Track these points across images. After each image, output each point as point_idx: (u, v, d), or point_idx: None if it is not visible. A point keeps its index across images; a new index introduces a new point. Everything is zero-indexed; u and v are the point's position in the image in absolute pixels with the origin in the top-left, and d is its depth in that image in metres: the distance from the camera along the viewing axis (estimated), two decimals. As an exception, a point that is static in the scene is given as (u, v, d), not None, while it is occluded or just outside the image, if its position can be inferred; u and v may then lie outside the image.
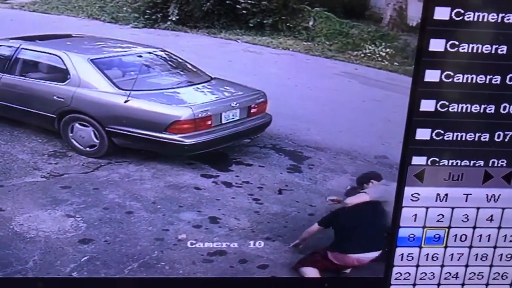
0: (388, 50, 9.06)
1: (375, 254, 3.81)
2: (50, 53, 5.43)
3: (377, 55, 8.69)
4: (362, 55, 8.93)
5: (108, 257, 3.82)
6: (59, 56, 5.33)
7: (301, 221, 4.29)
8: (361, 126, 5.35)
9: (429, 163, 3.15)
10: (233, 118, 5.26)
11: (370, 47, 9.75)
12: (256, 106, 5.50)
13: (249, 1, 11.49)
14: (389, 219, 3.63)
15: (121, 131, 4.92)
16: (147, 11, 11.93)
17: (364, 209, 3.97)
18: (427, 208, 3.27)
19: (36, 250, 3.80)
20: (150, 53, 5.90)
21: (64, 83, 5.18)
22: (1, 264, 3.62)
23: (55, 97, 5.17)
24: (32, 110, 5.27)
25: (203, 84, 5.53)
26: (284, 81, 6.08)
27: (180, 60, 5.96)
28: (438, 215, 3.26)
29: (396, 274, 3.47)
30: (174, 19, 11.46)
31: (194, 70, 5.88)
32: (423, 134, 3.11)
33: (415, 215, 3.31)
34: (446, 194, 3.20)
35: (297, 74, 6.18)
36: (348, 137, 5.55)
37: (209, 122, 4.98)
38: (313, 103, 6.19)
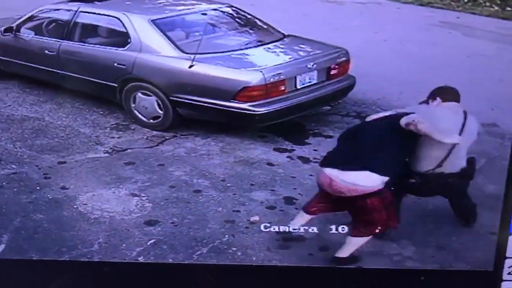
0: (499, -9, 8.20)
1: (353, 176, 3.37)
2: (109, 15, 5.41)
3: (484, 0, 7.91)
4: (466, 0, 8.20)
5: (176, 240, 3.80)
6: (118, 18, 5.27)
7: (392, 201, 4.06)
8: (466, 88, 4.89)
9: (552, 132, 2.90)
10: (309, 82, 4.96)
11: (475, -10, 8.85)
12: (336, 66, 5.15)
13: None
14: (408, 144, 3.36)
15: (186, 100, 4.77)
16: (213, -40, 11.32)
17: (378, 126, 3.54)
18: (551, 187, 2.92)
19: (101, 232, 3.86)
20: (215, 10, 5.70)
21: (125, 48, 5.10)
22: (67, 246, 3.71)
23: (115, 64, 5.10)
24: (92, 79, 5.31)
25: (274, 43, 5.26)
26: (370, 36, 5.71)
27: (249, 17, 5.62)
28: None
29: (509, 268, 3.18)
30: (241, -34, 10.89)
31: (265, 27, 5.51)
32: (545, 95, 2.94)
33: (535, 195, 2.94)
34: None
35: (385, 26, 5.77)
36: (452, 100, 5.17)
37: (282, 88, 4.73)
38: (406, 61, 5.80)
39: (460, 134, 3.52)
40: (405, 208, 3.81)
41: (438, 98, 3.77)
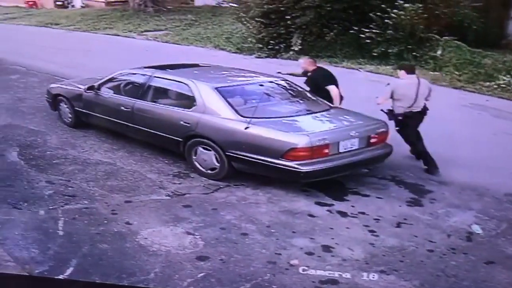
0: (526, 81, 8.51)
1: None
2: (179, 82, 6.02)
3: (513, 86, 8.22)
4: (495, 86, 8.58)
5: (223, 275, 3.99)
6: (187, 84, 5.89)
7: (419, 256, 4.21)
8: (491, 161, 5.14)
9: None
10: (351, 148, 5.33)
11: (505, 78, 9.26)
12: (376, 136, 5.56)
13: (374, 31, 11.63)
14: None
15: (240, 156, 5.24)
16: (271, 41, 12.63)
17: None
18: None
19: (158, 263, 4.11)
20: (271, 82, 6.26)
21: (191, 110, 5.68)
22: (127, 273, 3.97)
23: (182, 122, 5.69)
24: (160, 134, 5.86)
25: (322, 113, 5.75)
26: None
27: (300, 89, 6.22)
28: None
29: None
30: (296, 49, 11.96)
31: (314, 99, 6.09)
32: None
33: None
34: None
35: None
36: (476, 172, 5.35)
37: (326, 151, 5.11)
38: (438, 134, 6.09)
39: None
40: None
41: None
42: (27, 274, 3.89)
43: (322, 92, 6.09)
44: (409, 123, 5.65)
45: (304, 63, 6.64)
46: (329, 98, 6.03)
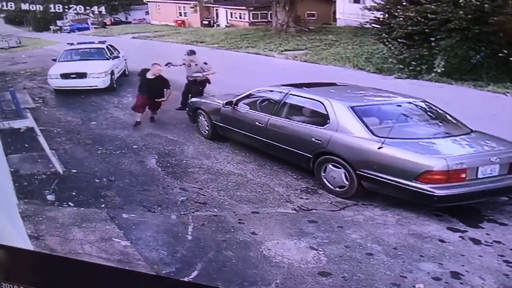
0: None
1: None
2: (314, 100, 6.43)
3: None
4: None
5: None
6: (322, 103, 6.27)
7: None
8: None
9: None
10: (491, 174, 5.31)
11: None
12: (520, 163, 5.54)
13: (526, 54, 10.74)
14: None
15: (371, 176, 5.49)
16: (412, 62, 12.70)
17: None
18: None
19: (279, 274, 4.46)
20: (409, 103, 6.42)
21: (323, 127, 6.06)
22: (249, 282, 4.37)
23: (313, 139, 6.09)
24: (291, 149, 6.31)
25: (461, 137, 5.80)
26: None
27: (440, 111, 6.32)
28: None
29: None
30: (439, 70, 11.87)
31: (454, 121, 6.17)
32: None
33: None
34: None
35: None
36: None
37: (463, 175, 5.16)
38: None
39: None
40: None
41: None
42: (155, 273, 4.42)
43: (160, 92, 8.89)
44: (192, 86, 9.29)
45: (156, 69, 9.03)
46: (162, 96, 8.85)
